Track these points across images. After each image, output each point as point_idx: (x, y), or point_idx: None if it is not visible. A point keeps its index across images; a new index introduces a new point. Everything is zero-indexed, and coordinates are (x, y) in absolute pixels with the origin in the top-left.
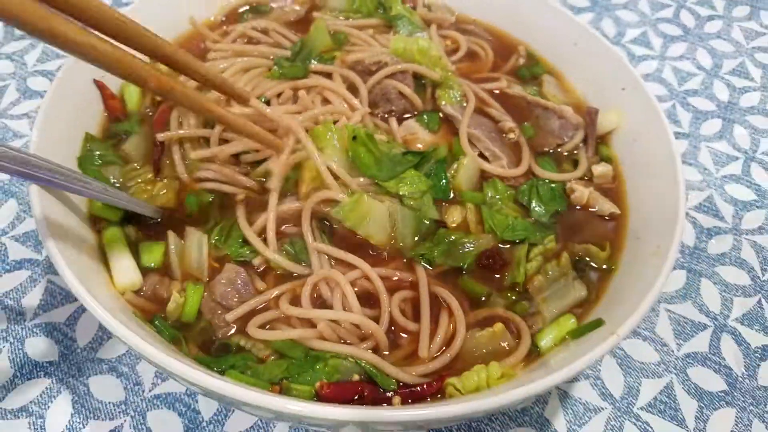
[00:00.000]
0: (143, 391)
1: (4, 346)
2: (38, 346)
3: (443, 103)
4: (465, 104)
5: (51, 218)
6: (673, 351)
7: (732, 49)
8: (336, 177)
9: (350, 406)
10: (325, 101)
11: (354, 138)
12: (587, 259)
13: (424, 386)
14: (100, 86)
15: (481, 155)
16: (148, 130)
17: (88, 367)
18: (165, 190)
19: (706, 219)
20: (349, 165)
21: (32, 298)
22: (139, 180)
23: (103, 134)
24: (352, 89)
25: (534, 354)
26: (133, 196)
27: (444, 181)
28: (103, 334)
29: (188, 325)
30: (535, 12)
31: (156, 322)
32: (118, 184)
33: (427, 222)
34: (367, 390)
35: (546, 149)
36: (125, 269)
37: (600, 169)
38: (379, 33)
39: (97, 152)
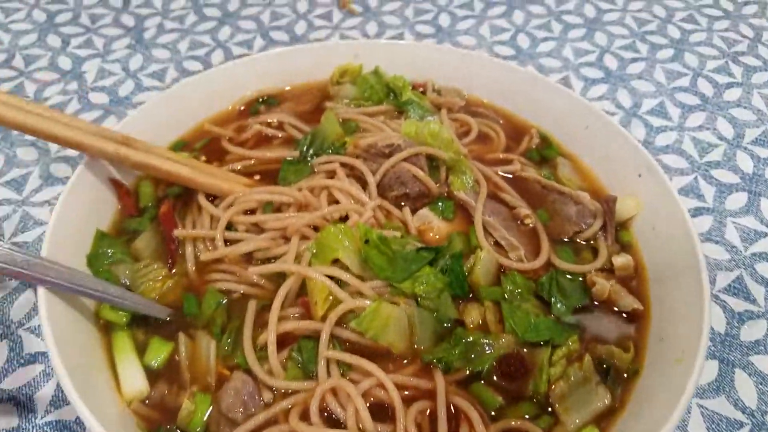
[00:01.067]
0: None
1: None
2: None
3: (457, 189)
4: (478, 190)
5: (56, 320)
6: None
7: (754, 117)
8: (345, 284)
9: None
10: (333, 199)
11: (366, 242)
12: (610, 361)
13: None
14: (116, 184)
15: (498, 244)
16: (157, 227)
17: None
18: (173, 287)
19: (736, 302)
20: (361, 266)
21: (44, 394)
22: (149, 278)
23: (114, 231)
24: (361, 179)
25: None
26: (142, 295)
27: (461, 277)
28: None
29: None
30: (545, 95)
31: None
32: (128, 282)
33: (447, 324)
34: None
35: (563, 237)
36: (133, 377)
37: (620, 260)
38: (389, 118)
39: (109, 250)
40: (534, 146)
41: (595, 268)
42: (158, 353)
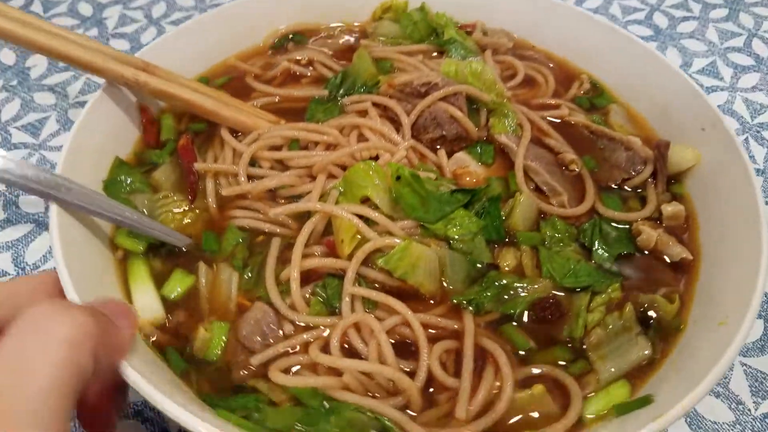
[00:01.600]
0: None
1: None
2: None
3: (497, 132)
4: (521, 134)
5: (69, 241)
6: (750, 410)
7: None
8: (374, 222)
9: None
10: (363, 139)
11: (398, 178)
12: (654, 312)
13: None
14: (142, 110)
15: (539, 189)
16: (177, 160)
17: None
18: (193, 221)
19: None
20: (391, 206)
21: None
22: (168, 209)
23: (134, 160)
24: (394, 120)
25: (578, 425)
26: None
27: (497, 221)
28: None
29: (206, 363)
30: (600, 39)
31: (168, 355)
32: (145, 212)
33: (480, 266)
34: None
35: (611, 184)
36: (149, 304)
37: (671, 209)
38: (428, 58)
39: (127, 178)
40: (583, 92)
41: (642, 216)
42: (178, 285)
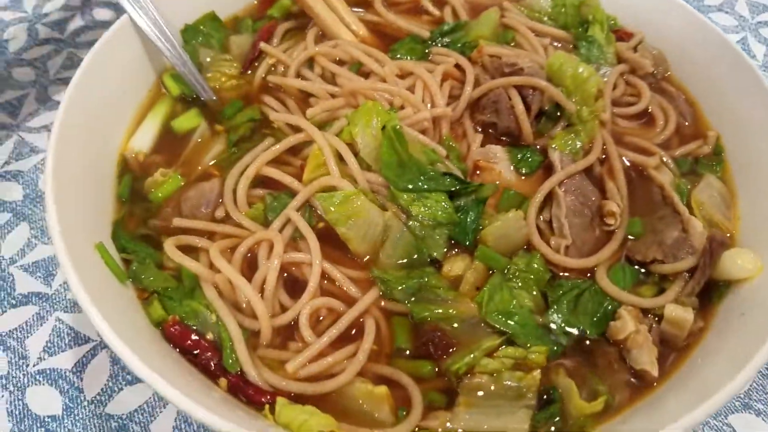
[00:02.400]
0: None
1: (2, 395)
2: (40, 397)
3: (553, 146)
4: (579, 159)
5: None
6: None
7: None
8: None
9: None
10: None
11: (383, 128)
12: (559, 397)
13: (253, 392)
14: None
15: (549, 223)
16: (254, 36)
17: (94, 425)
18: (233, 88)
19: None
20: (375, 154)
21: (37, 339)
22: (222, 69)
23: (227, 21)
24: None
25: None
26: (206, 81)
27: (474, 225)
28: (114, 385)
29: (145, 200)
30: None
31: (124, 179)
32: (203, 64)
33: (424, 257)
34: (207, 354)
35: (638, 258)
36: (144, 137)
37: (676, 313)
38: (559, 48)
39: (210, 31)
40: (701, 155)
41: (638, 305)
42: (186, 122)
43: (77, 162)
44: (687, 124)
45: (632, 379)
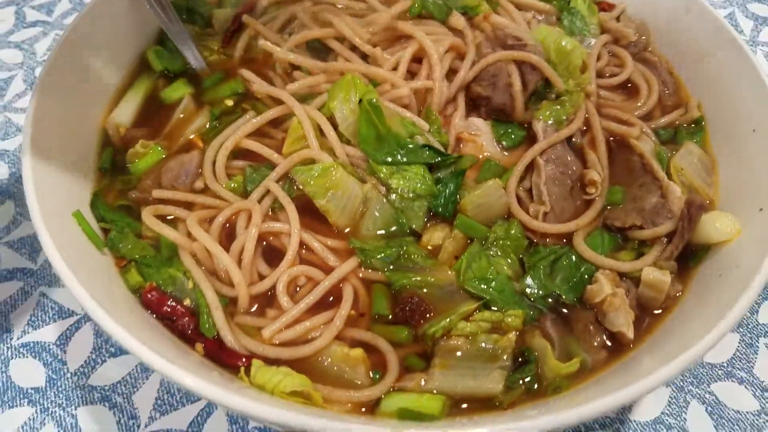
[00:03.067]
0: (138, 426)
1: None
2: (23, 369)
3: (538, 117)
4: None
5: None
6: None
7: None
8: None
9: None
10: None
11: (360, 102)
12: (534, 358)
13: (228, 356)
14: None
15: (529, 192)
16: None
17: (77, 396)
18: (215, 62)
19: None
20: (353, 128)
21: (21, 313)
22: (205, 43)
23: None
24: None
25: (373, 406)
26: None
27: (453, 197)
28: (97, 357)
29: (125, 172)
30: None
31: (104, 152)
32: None
33: (403, 228)
34: (184, 320)
35: (617, 225)
36: (126, 111)
37: (654, 275)
38: (542, 20)
39: (192, 5)
40: (683, 123)
41: (616, 268)
42: (175, 92)
43: (55, 133)
44: (668, 92)
45: (608, 342)
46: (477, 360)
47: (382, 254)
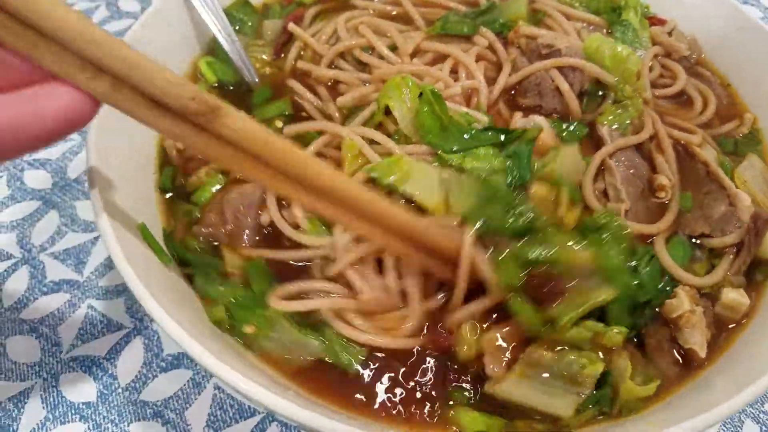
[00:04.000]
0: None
1: (36, 382)
2: (74, 384)
3: (602, 121)
4: (627, 134)
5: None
6: None
7: None
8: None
9: None
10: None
11: (420, 95)
12: (612, 382)
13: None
14: None
15: (605, 193)
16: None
17: (129, 412)
18: (268, 74)
19: None
20: (413, 126)
21: (70, 326)
22: (255, 54)
23: (258, 5)
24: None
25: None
26: None
27: (526, 160)
28: (148, 372)
29: (189, 200)
30: None
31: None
32: None
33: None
34: None
35: (687, 233)
36: None
37: (733, 296)
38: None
39: (242, 16)
40: (736, 134)
41: (694, 284)
42: None
43: (117, 148)
44: (724, 103)
45: (680, 360)
46: (557, 379)
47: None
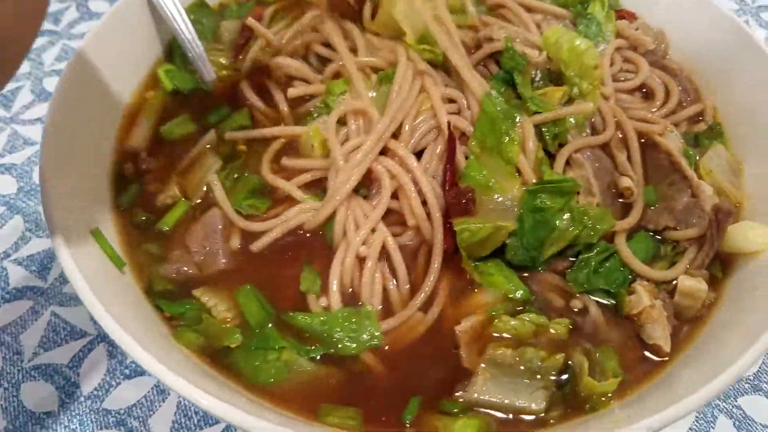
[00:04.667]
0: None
1: None
2: (36, 393)
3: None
4: (585, 132)
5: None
6: None
7: None
8: None
9: None
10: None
11: None
12: (573, 375)
13: None
14: None
15: None
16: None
17: (91, 420)
18: (226, 77)
19: None
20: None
21: (32, 334)
22: (214, 57)
23: (216, 6)
24: None
25: None
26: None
27: None
28: (111, 380)
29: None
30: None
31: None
32: None
33: None
34: None
35: (650, 227)
36: (140, 134)
37: (689, 283)
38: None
39: (203, 19)
40: (701, 120)
41: (654, 278)
42: (177, 127)
43: (70, 151)
44: (689, 99)
45: (645, 355)
46: (522, 376)
47: None
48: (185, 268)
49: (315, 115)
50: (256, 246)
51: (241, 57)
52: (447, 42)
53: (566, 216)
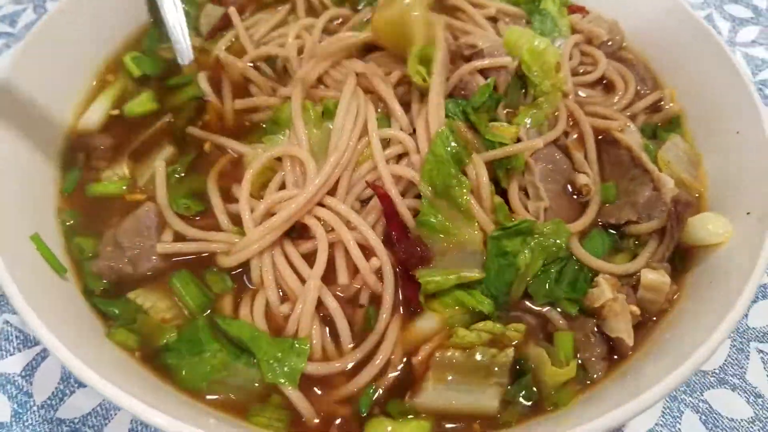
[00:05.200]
0: None
1: None
2: None
3: (519, 122)
4: (544, 132)
5: None
6: None
7: None
8: None
9: None
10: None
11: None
12: (531, 370)
13: None
14: None
15: (524, 191)
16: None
17: (45, 430)
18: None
19: None
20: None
21: None
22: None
23: None
24: None
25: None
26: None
27: None
28: (65, 388)
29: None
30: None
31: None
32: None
33: None
34: None
35: (612, 222)
36: (93, 116)
37: (652, 277)
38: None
39: (184, 6)
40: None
41: (614, 272)
42: (139, 106)
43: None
44: (647, 89)
45: (609, 350)
46: (473, 375)
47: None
48: (119, 265)
49: (263, 126)
50: (162, 247)
51: (213, 38)
52: (440, 65)
53: (527, 251)
